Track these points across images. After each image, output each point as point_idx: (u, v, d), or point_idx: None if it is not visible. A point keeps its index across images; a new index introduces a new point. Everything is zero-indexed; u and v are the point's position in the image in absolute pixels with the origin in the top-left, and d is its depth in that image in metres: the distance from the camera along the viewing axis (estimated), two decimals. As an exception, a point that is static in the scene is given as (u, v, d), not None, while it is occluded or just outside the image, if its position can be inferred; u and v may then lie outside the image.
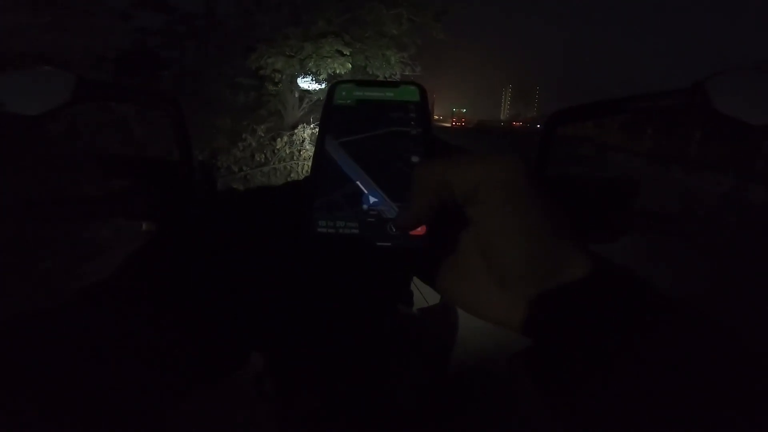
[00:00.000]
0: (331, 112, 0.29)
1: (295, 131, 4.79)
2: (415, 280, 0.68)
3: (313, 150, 0.28)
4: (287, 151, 4.61)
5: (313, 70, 5.84)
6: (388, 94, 0.31)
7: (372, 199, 0.26)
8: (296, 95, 6.73)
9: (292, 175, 4.50)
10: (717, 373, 0.18)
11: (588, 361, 0.20)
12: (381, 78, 6.26)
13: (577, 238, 0.22)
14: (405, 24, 6.04)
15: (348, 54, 5.76)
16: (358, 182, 0.26)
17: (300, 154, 4.62)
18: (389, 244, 0.25)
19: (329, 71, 5.78)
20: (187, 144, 0.49)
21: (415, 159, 0.27)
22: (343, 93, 0.30)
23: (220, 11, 6.01)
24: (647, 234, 0.53)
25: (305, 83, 6.39)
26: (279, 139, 4.67)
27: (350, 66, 5.90)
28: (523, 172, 0.22)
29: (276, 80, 5.95)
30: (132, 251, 0.28)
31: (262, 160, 4.53)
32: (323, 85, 6.50)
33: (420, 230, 0.24)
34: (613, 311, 0.21)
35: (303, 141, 4.74)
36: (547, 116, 0.55)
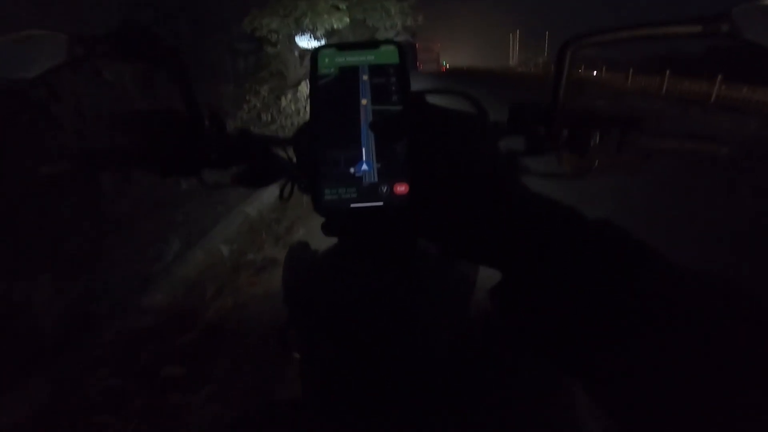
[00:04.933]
0: (316, 83, 0.31)
1: (299, 87, 4.70)
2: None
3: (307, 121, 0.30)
4: (293, 108, 4.56)
5: (310, 28, 5.64)
6: (369, 57, 0.32)
7: (363, 166, 0.29)
8: (296, 54, 6.56)
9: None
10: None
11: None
12: (382, 29, 6.05)
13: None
14: (404, -29, 5.72)
15: (344, 8, 5.52)
16: (350, 151, 0.29)
17: (306, 109, 4.56)
18: (381, 203, 0.29)
19: (326, 27, 5.58)
20: (190, 89, 0.48)
21: (395, 123, 0.30)
22: (326, 60, 0.32)
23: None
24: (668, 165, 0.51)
25: (304, 41, 6.20)
26: (283, 98, 4.59)
27: (347, 20, 5.67)
28: None
29: (273, 41, 5.79)
30: None
31: (269, 119, 4.48)
32: (323, 41, 6.29)
33: (404, 189, 0.29)
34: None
35: (308, 96, 4.65)
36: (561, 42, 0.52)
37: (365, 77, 0.31)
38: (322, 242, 0.57)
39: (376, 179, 0.29)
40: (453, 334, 0.53)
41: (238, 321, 1.80)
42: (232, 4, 5.59)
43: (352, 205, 0.29)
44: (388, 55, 0.32)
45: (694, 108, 8.44)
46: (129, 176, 2.28)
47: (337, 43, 0.32)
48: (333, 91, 0.31)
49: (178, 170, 0.50)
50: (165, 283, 1.94)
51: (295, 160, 0.54)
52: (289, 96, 4.59)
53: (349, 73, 0.31)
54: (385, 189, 0.29)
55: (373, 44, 0.32)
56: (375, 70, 0.31)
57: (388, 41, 0.32)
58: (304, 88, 4.65)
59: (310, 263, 0.61)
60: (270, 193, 2.90)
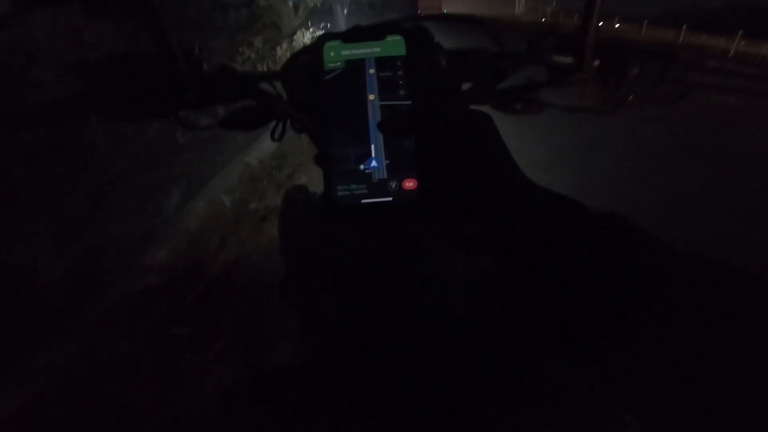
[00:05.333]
0: (323, 78, 0.31)
1: (294, 37, 4.51)
2: None
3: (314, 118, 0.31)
4: (288, 56, 4.41)
5: (303, -24, 5.30)
6: (375, 49, 0.32)
7: (373, 162, 0.30)
8: (290, 4, 6.23)
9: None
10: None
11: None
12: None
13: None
14: None
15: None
16: (360, 147, 0.30)
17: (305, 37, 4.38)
18: (390, 198, 0.29)
19: (321, -26, 5.24)
20: (160, 26, 0.45)
21: (403, 120, 0.30)
22: (332, 54, 0.31)
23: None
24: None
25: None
26: (278, 48, 4.42)
27: (344, -32, 5.32)
28: None
29: (265, -8, 5.45)
30: None
31: (265, 69, 4.33)
32: (317, -10, 5.94)
33: (412, 185, 0.29)
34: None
35: (304, 45, 4.47)
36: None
37: (372, 71, 0.31)
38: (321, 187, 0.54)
39: (386, 175, 0.29)
40: (459, 293, 0.51)
41: (242, 274, 1.80)
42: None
43: (363, 201, 0.29)
44: (394, 46, 0.32)
45: (711, 60, 8.13)
46: (124, 132, 2.23)
47: (342, 33, 0.32)
48: (340, 87, 0.31)
49: (160, 113, 0.47)
50: (167, 238, 1.93)
51: (285, 96, 0.50)
52: (285, 46, 4.41)
53: (356, 67, 0.31)
54: (394, 185, 0.29)
55: (379, 34, 0.32)
56: (382, 63, 0.31)
57: (394, 30, 0.32)
58: (300, 38, 4.47)
59: (307, 210, 0.58)
60: (270, 142, 2.80)
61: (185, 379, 1.38)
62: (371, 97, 0.30)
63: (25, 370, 1.35)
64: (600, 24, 0.46)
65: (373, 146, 0.30)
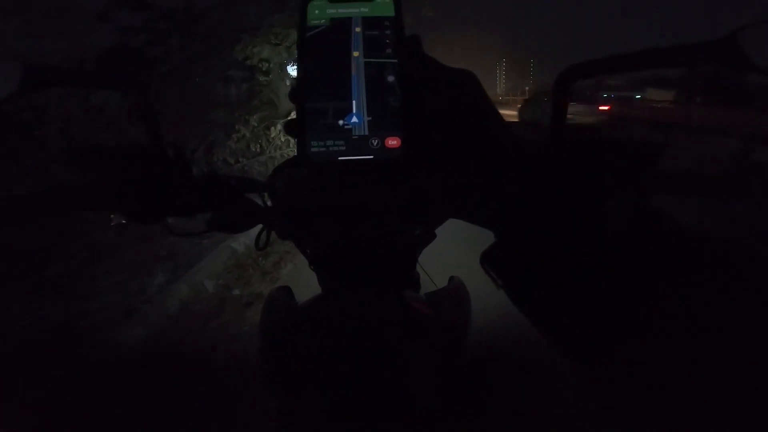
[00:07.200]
0: (304, 35, 0.29)
1: (289, 118, 4.79)
2: (421, 262, 0.64)
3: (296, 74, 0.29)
4: (282, 139, 4.60)
5: (302, 56, 5.73)
6: (363, 9, 0.30)
7: (353, 118, 0.28)
8: (287, 83, 6.64)
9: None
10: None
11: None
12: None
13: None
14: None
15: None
16: (340, 102, 0.28)
17: (293, 144, 4.62)
18: (372, 156, 0.28)
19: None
20: (156, 126, 0.46)
21: (390, 78, 0.28)
22: (316, 11, 0.30)
23: (201, 4, 5.81)
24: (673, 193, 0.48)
25: (295, 71, 6.27)
26: (273, 128, 4.63)
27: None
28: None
29: (264, 69, 5.86)
30: None
31: (258, 150, 4.49)
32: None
33: (396, 143, 0.28)
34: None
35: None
36: (558, 73, 0.49)
37: (358, 29, 0.29)
38: (309, 279, 0.53)
39: (367, 132, 0.28)
40: (437, 394, 0.50)
41: (220, 358, 1.73)
42: (223, 29, 5.67)
43: (341, 158, 0.28)
44: (383, 7, 0.30)
45: (678, 133, 8.71)
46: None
47: None
48: (323, 43, 0.29)
49: (148, 218, 0.47)
50: (147, 317, 1.87)
51: (270, 204, 0.50)
52: (279, 126, 4.64)
53: (341, 25, 0.29)
54: (375, 142, 0.28)
55: None
56: (369, 22, 0.30)
57: None
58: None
59: (290, 312, 0.57)
60: (257, 229, 2.78)
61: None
62: (355, 53, 0.29)
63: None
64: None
65: (354, 102, 0.28)
